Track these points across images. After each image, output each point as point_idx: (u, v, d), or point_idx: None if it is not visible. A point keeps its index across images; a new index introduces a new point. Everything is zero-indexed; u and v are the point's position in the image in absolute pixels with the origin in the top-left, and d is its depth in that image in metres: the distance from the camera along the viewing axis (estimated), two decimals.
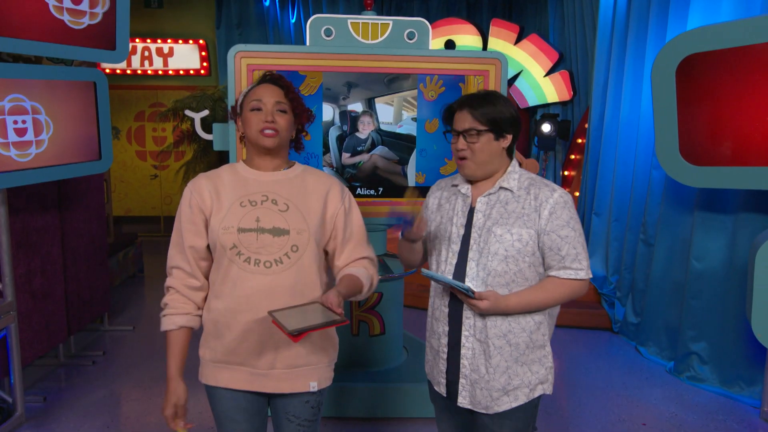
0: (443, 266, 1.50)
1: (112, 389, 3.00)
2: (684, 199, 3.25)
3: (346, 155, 2.59)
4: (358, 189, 2.60)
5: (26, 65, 2.52)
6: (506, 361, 1.44)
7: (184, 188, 1.50)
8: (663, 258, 3.43)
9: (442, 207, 1.56)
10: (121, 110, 7.03)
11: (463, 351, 1.46)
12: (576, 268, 1.42)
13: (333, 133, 2.57)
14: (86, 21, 2.49)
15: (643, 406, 2.91)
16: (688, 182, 2.91)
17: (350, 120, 2.57)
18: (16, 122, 2.34)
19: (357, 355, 2.82)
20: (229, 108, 1.54)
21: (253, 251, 1.39)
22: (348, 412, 2.67)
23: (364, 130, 2.58)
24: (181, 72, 7.08)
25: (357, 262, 1.50)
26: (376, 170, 2.61)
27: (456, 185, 1.55)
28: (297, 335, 1.20)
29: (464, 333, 1.46)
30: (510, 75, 5.52)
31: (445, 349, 1.50)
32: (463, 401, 1.48)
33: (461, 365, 1.46)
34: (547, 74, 5.51)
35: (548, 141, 5.38)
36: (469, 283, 1.44)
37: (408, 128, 2.59)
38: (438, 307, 1.52)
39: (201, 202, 1.45)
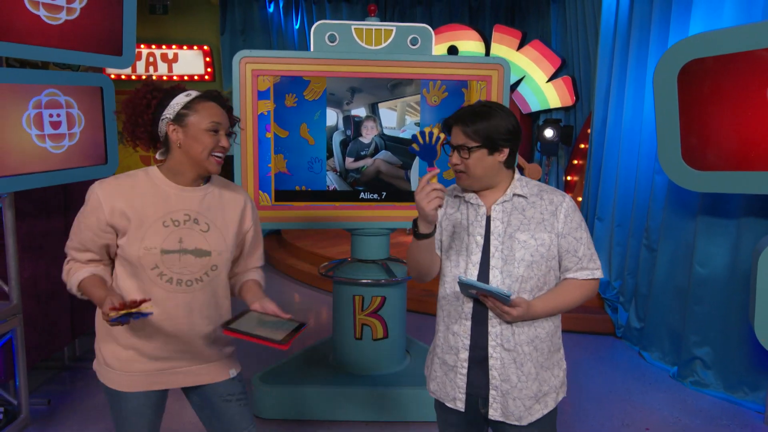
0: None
1: None
2: (687, 204, 3.25)
3: (349, 160, 2.60)
4: (362, 193, 2.62)
5: (35, 71, 2.55)
6: (535, 368, 1.44)
7: (90, 191, 1.44)
8: (666, 263, 3.43)
9: (452, 217, 1.52)
10: None
11: (491, 362, 1.43)
12: (592, 267, 1.47)
13: (336, 138, 2.59)
14: (63, 16, 2.46)
15: (646, 411, 2.90)
16: (691, 187, 2.92)
17: (354, 125, 2.59)
18: (51, 115, 2.43)
19: (360, 359, 2.82)
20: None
21: (175, 272, 1.43)
22: (351, 416, 2.67)
23: (368, 134, 2.60)
24: (186, 78, 7.12)
25: (252, 271, 1.64)
26: (379, 175, 2.63)
27: (460, 196, 1.53)
28: (286, 343, 1.28)
29: (491, 344, 1.43)
30: (512, 81, 5.54)
31: (465, 364, 1.46)
32: (494, 413, 1.45)
33: (491, 376, 1.44)
34: (550, 80, 5.53)
35: (551, 146, 5.39)
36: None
37: (411, 133, 2.61)
38: (456, 320, 1.47)
39: (111, 219, 1.41)
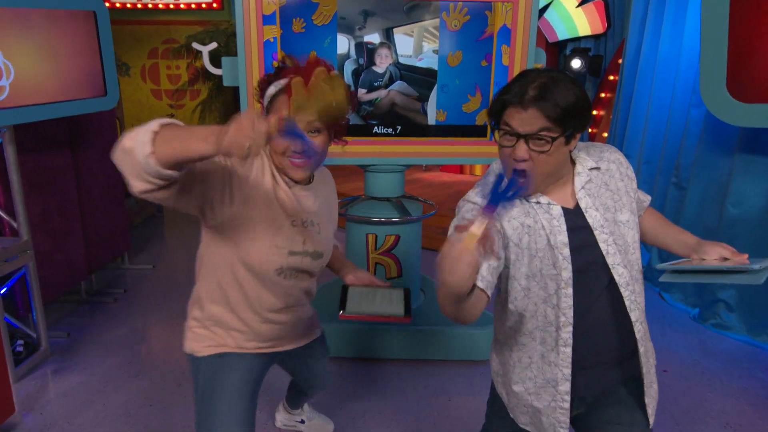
0: (552, 310, 1.16)
1: (133, 326, 3.07)
2: (724, 140, 3.03)
3: (362, 91, 2.44)
4: (375, 127, 2.47)
5: None
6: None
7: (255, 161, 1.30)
8: (696, 202, 3.27)
9: (526, 226, 1.15)
10: (133, 47, 6.85)
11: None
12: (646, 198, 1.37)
13: (348, 67, 2.41)
14: None
15: (665, 352, 2.86)
16: (733, 121, 2.69)
17: (366, 52, 2.40)
18: None
19: None
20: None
21: (294, 267, 1.38)
22: (363, 353, 2.69)
23: (382, 63, 2.41)
24: (193, 6, 6.81)
25: (333, 237, 1.58)
26: (393, 107, 2.46)
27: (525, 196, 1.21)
28: (409, 316, 1.31)
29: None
30: (540, 6, 5.14)
31: (567, 397, 1.20)
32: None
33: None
34: (580, 4, 5.11)
35: (578, 78, 5.08)
36: (629, 296, 1.15)
37: (429, 62, 2.41)
38: (553, 348, 1.18)
39: (240, 178, 1.24)
